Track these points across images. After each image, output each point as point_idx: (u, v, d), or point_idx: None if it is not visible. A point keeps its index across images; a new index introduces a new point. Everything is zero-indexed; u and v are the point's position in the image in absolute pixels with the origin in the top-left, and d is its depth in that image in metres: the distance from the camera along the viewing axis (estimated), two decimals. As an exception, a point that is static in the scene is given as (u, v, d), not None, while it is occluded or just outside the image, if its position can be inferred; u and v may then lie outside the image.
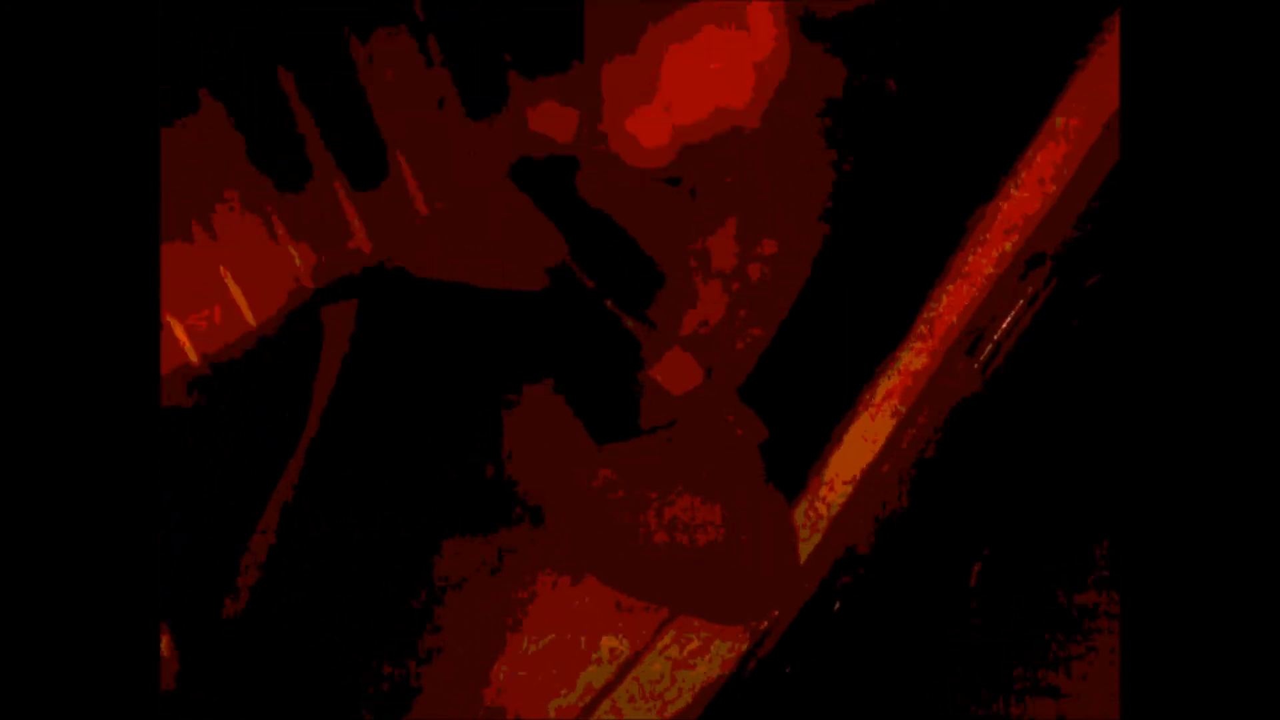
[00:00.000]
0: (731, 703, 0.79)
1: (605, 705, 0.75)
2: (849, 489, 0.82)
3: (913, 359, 0.82)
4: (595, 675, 0.74)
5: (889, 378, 0.82)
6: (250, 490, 0.70)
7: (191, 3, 0.45)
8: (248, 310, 0.48)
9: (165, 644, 0.58)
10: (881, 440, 0.82)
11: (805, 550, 0.81)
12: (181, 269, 0.55)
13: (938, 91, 0.82)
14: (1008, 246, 0.83)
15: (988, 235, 0.82)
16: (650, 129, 0.61)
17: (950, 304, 0.82)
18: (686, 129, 0.61)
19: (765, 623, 0.80)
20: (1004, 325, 0.84)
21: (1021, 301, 0.84)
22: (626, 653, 0.75)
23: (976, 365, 0.84)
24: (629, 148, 0.60)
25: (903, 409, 0.82)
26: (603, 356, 0.76)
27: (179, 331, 0.48)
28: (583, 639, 0.75)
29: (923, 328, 0.82)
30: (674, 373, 0.76)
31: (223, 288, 0.49)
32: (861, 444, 0.82)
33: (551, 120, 0.58)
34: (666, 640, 0.76)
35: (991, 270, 0.82)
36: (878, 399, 0.82)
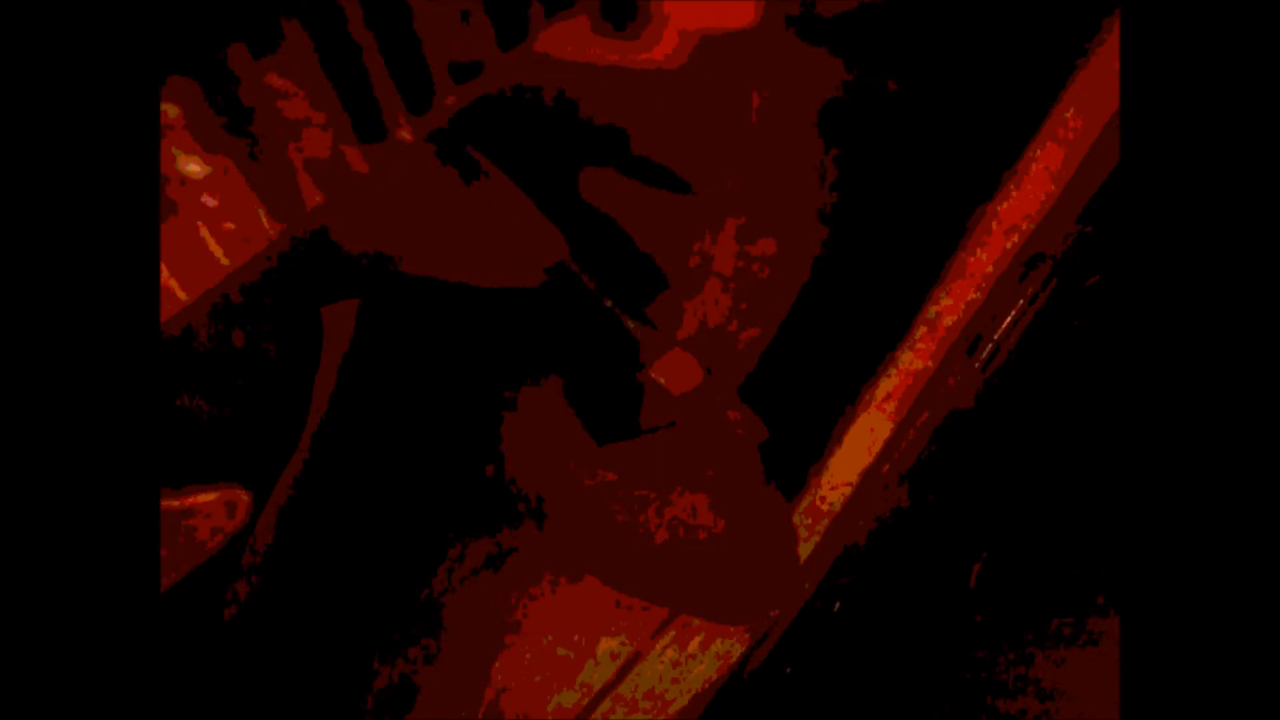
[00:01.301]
0: (731, 703, 0.79)
1: (605, 705, 0.75)
2: (849, 489, 0.82)
3: (913, 359, 0.82)
4: (595, 675, 0.74)
5: (889, 378, 0.82)
6: (251, 490, 0.70)
7: None
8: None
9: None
10: (881, 440, 0.82)
11: (805, 550, 0.81)
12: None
13: (938, 91, 0.82)
14: (1008, 246, 0.83)
15: (988, 235, 0.82)
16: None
17: (950, 304, 0.82)
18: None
19: (765, 623, 0.80)
20: (1004, 325, 0.84)
21: (1021, 301, 0.84)
22: (626, 653, 0.75)
23: (976, 365, 0.84)
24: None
25: (903, 409, 0.82)
26: (603, 356, 0.76)
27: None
28: (583, 639, 0.75)
29: (923, 328, 0.82)
30: (674, 373, 0.76)
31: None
32: (861, 444, 0.82)
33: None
34: (666, 640, 0.76)
35: (991, 270, 0.82)
36: (878, 399, 0.82)
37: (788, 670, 0.82)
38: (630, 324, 0.76)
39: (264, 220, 0.48)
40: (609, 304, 0.76)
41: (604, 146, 0.77)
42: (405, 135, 0.53)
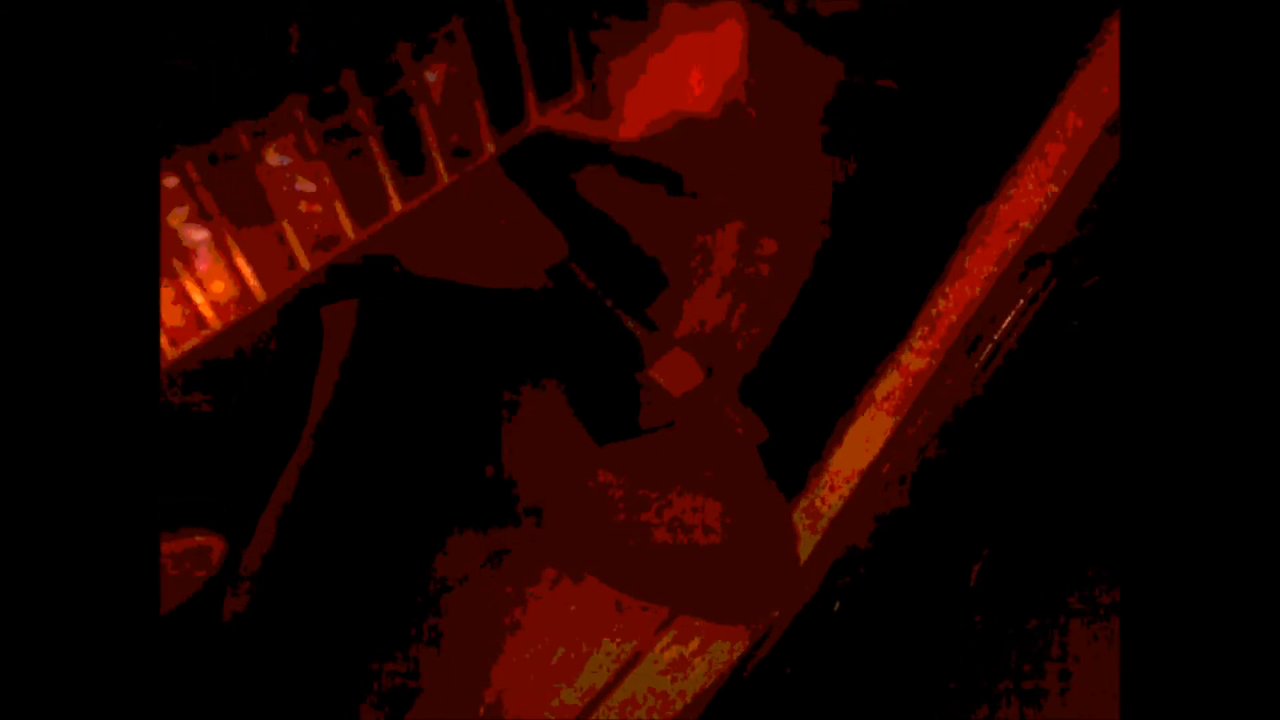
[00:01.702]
0: (731, 703, 0.79)
1: (605, 705, 0.75)
2: (849, 489, 0.82)
3: (913, 359, 0.82)
4: (595, 675, 0.74)
5: (889, 377, 0.82)
6: (251, 490, 0.70)
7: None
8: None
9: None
10: (881, 440, 0.82)
11: (805, 550, 0.81)
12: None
13: (938, 91, 0.82)
14: (1008, 246, 0.83)
15: (988, 235, 0.82)
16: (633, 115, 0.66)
17: (950, 304, 0.82)
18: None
19: (765, 623, 0.80)
20: (1004, 325, 0.84)
21: (1021, 301, 0.84)
22: (626, 653, 0.75)
23: (976, 365, 0.84)
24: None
25: (903, 409, 0.82)
26: (603, 356, 0.76)
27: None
28: (583, 639, 0.75)
29: (923, 328, 0.82)
30: (674, 373, 0.76)
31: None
32: (861, 444, 0.82)
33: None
34: (666, 640, 0.76)
35: (991, 270, 0.82)
36: (878, 398, 0.82)
37: (788, 670, 0.82)
38: (630, 324, 0.76)
39: (256, 287, 0.50)
40: (609, 304, 0.76)
41: (603, 148, 0.77)
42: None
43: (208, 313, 0.49)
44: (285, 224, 0.50)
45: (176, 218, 0.46)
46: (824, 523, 0.81)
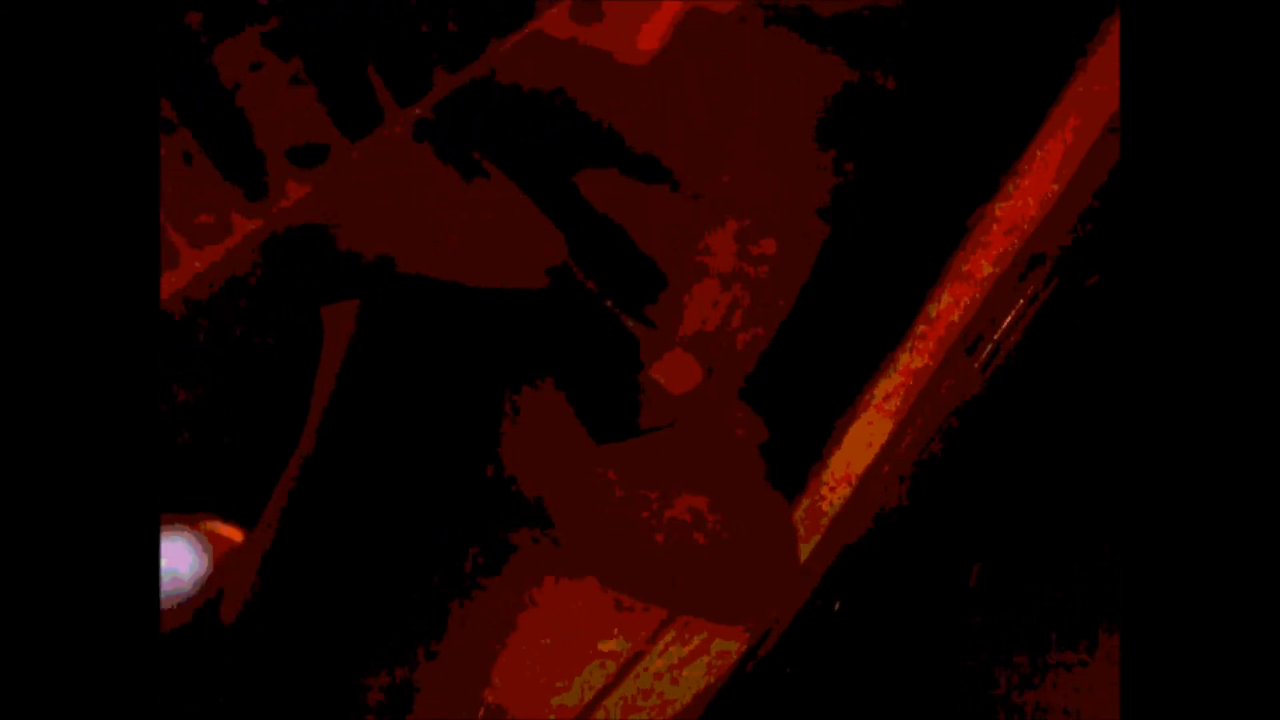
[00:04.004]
0: (731, 703, 0.79)
1: (605, 705, 0.75)
2: (849, 489, 0.82)
3: (913, 359, 0.82)
4: (595, 675, 0.74)
5: (889, 378, 0.82)
6: (251, 490, 0.70)
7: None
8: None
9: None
10: (881, 440, 0.82)
11: (805, 550, 0.81)
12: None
13: (938, 91, 0.82)
14: (1008, 246, 0.83)
15: (988, 235, 0.82)
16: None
17: (950, 304, 0.82)
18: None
19: (765, 623, 0.80)
20: (1004, 325, 0.84)
21: (1021, 301, 0.84)
22: (626, 653, 0.75)
23: (976, 365, 0.84)
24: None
25: (903, 409, 0.82)
26: (603, 356, 0.76)
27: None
28: (583, 639, 0.75)
29: (923, 328, 0.82)
30: (674, 373, 0.76)
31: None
32: (861, 444, 0.82)
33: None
34: (666, 640, 0.76)
35: (991, 270, 0.82)
36: (878, 399, 0.82)
37: (788, 670, 0.82)
38: (630, 324, 0.76)
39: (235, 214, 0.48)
40: (609, 304, 0.76)
41: (603, 146, 0.77)
42: (396, 129, 0.53)
43: (179, 241, 0.47)
44: (265, 141, 0.47)
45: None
46: (824, 523, 0.81)
